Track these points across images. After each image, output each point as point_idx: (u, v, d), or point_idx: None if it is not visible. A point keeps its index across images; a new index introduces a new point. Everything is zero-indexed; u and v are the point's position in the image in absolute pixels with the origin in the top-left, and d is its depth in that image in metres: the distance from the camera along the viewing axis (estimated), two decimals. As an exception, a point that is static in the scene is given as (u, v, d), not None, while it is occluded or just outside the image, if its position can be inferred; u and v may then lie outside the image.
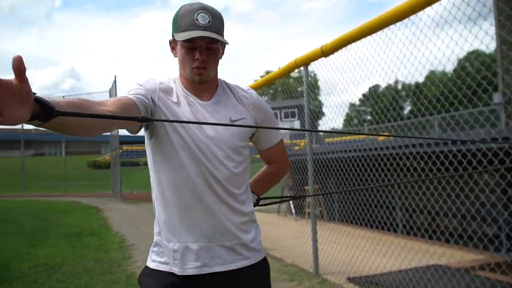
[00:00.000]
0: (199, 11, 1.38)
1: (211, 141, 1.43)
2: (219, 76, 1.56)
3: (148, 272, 1.47)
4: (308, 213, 6.32)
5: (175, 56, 1.48)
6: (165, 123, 1.42)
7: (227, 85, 1.57)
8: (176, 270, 1.41)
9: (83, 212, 11.74)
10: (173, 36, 1.45)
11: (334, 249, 4.89)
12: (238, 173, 1.47)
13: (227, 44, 1.48)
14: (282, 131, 1.95)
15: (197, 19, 1.37)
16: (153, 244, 1.51)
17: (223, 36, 1.44)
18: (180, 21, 1.40)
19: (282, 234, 6.35)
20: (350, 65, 4.36)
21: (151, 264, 1.48)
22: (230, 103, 1.52)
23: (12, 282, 4.55)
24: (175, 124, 1.42)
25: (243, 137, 1.50)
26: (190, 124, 1.42)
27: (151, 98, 1.41)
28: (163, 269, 1.44)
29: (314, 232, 4.66)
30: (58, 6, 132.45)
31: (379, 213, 6.16)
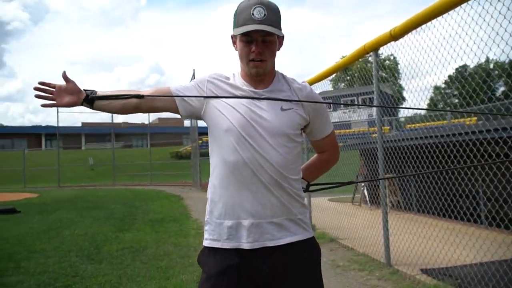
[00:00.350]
0: (255, 6, 1.47)
1: (263, 127, 1.50)
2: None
3: (206, 251, 1.58)
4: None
5: (236, 50, 1.58)
6: (214, 108, 1.55)
7: (284, 77, 1.64)
8: (231, 245, 1.51)
9: (166, 200, 12.48)
10: (233, 31, 1.54)
11: (408, 239, 4.70)
12: (290, 159, 1.54)
13: (283, 36, 1.56)
14: (333, 122, 1.98)
15: (253, 14, 1.46)
16: (205, 223, 1.61)
17: (279, 29, 1.51)
18: (238, 17, 1.50)
19: (355, 223, 6.23)
20: (432, 45, 4.01)
21: (205, 243, 1.59)
22: (283, 94, 1.58)
23: (101, 263, 5.02)
24: (222, 109, 1.54)
25: (295, 126, 1.56)
26: (241, 110, 1.52)
27: (199, 86, 1.59)
28: (215, 246, 1.54)
29: (385, 221, 4.53)
30: (144, 4, 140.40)
31: (458, 202, 5.77)
